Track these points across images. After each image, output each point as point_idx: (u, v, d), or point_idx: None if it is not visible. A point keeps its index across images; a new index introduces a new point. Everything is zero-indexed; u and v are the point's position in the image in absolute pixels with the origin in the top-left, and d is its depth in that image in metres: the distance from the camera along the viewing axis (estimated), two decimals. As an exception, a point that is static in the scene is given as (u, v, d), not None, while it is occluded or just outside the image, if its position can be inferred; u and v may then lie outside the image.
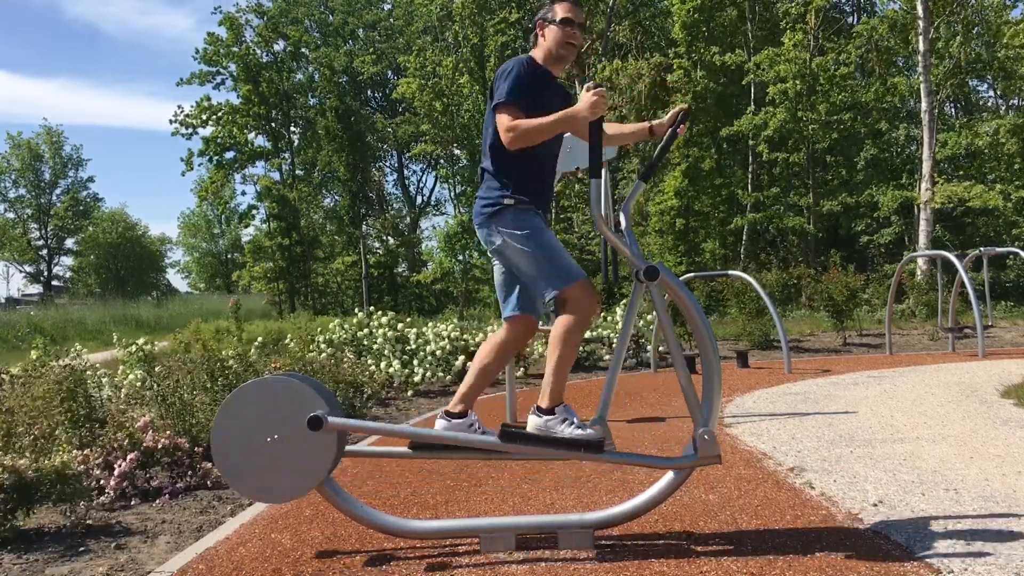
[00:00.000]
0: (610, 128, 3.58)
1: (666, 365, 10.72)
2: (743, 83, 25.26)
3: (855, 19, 29.33)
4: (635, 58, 23.78)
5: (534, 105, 3.17)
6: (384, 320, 9.81)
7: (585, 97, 3.06)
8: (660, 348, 10.76)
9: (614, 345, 10.97)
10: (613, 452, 3.17)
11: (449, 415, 3.28)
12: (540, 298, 3.22)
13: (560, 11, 3.30)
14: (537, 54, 3.36)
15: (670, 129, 3.43)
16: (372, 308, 10.57)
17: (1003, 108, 26.44)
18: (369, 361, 8.97)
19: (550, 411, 3.12)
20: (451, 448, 3.21)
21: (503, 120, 3.14)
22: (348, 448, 3.19)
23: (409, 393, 8.68)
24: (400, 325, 9.79)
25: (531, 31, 3.40)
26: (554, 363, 3.14)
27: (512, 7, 28.71)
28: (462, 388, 3.33)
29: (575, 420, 3.11)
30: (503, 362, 3.41)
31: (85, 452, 4.01)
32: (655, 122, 3.51)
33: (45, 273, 51.91)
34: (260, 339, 9.53)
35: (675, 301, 3.16)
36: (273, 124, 33.61)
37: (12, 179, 49.62)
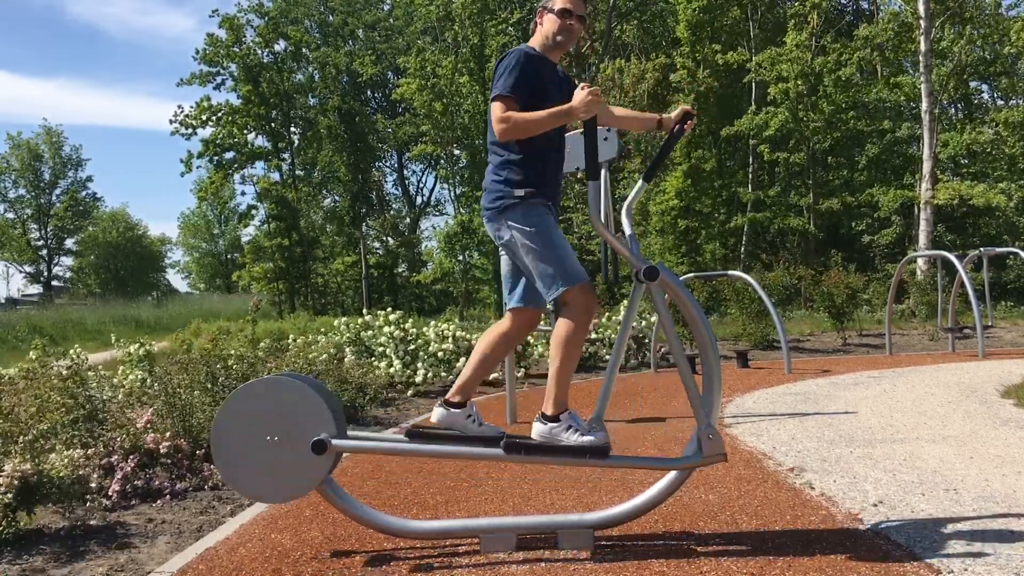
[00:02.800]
0: (619, 111, 3.60)
1: (668, 365, 10.72)
2: (744, 82, 25.26)
3: (856, 20, 29.31)
4: (637, 58, 23.78)
5: (532, 95, 3.17)
6: (392, 319, 9.81)
7: (580, 95, 3.06)
8: (661, 348, 10.76)
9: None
10: (618, 456, 3.18)
11: (448, 404, 3.28)
12: (575, 263, 3.21)
13: (560, 0, 3.30)
14: (535, 41, 3.37)
15: (676, 126, 3.43)
16: (373, 308, 10.59)
17: (1004, 108, 26.40)
18: (372, 361, 8.97)
19: (555, 418, 3.11)
20: (448, 440, 3.22)
21: (496, 111, 3.13)
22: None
23: (409, 393, 8.68)
24: (407, 324, 9.79)
25: (535, 16, 3.39)
26: (556, 369, 3.13)
27: (513, 7, 28.71)
28: (461, 378, 3.34)
29: (580, 426, 3.10)
30: (504, 353, 3.43)
31: (88, 453, 4.01)
32: (664, 116, 3.52)
33: (45, 273, 51.89)
34: (267, 340, 9.52)
35: (675, 301, 3.16)
36: (273, 124, 33.59)
37: (12, 179, 49.63)
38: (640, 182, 3.40)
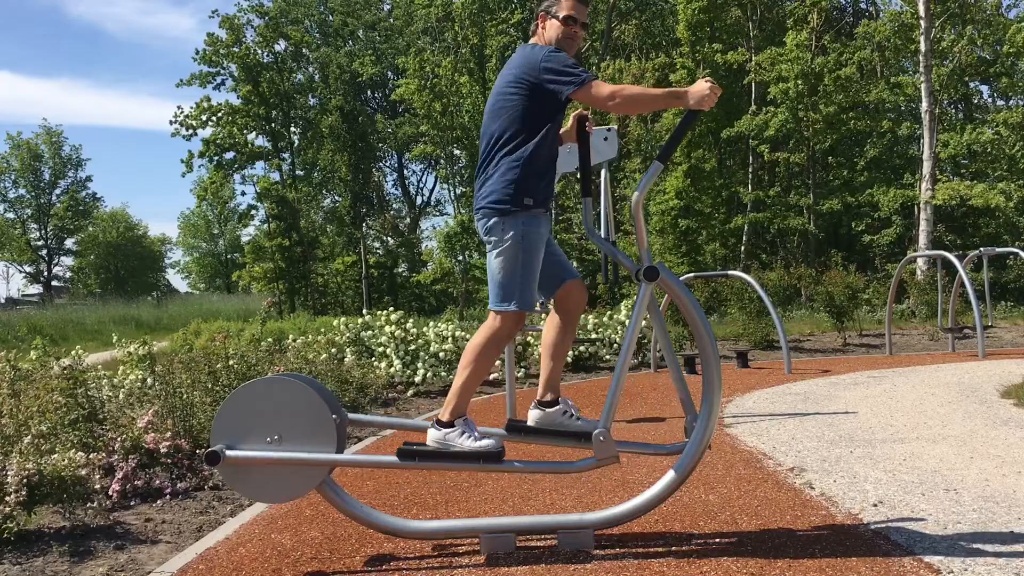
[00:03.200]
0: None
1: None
2: (744, 82, 25.25)
3: (855, 20, 29.31)
4: (638, 58, 23.79)
5: (548, 95, 3.14)
6: (393, 319, 9.81)
7: (701, 84, 2.97)
8: (661, 349, 10.77)
9: (616, 345, 10.97)
10: (514, 461, 3.21)
11: (541, 405, 3.28)
12: (534, 294, 3.22)
13: (565, 7, 3.26)
14: (536, 43, 3.33)
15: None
16: (373, 308, 10.59)
17: (1004, 109, 26.40)
18: (372, 361, 8.97)
19: (449, 424, 3.14)
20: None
21: (601, 88, 3.05)
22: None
23: (410, 393, 8.68)
24: (407, 325, 9.78)
25: (536, 18, 3.34)
26: (463, 380, 3.16)
27: (514, 7, 28.72)
28: (543, 375, 3.34)
29: (475, 432, 3.13)
30: (568, 335, 3.40)
31: (90, 456, 4.01)
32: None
33: (45, 273, 51.90)
34: (267, 340, 9.52)
35: (675, 301, 3.16)
36: (273, 124, 33.59)
37: (12, 179, 49.64)
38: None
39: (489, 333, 3.17)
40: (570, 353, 9.82)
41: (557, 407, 3.26)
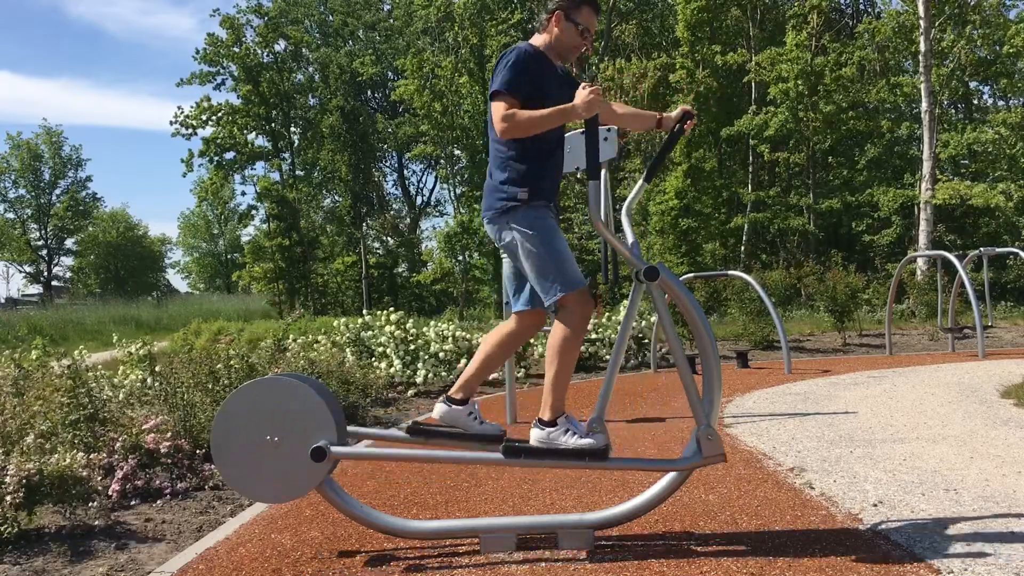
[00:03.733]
0: (620, 108, 3.57)
1: (668, 365, 10.72)
2: (744, 81, 25.25)
3: (855, 20, 29.30)
4: (638, 57, 23.78)
5: (532, 94, 3.14)
6: (393, 319, 9.81)
7: (581, 94, 3.02)
8: (661, 348, 10.76)
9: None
10: (617, 459, 3.18)
11: (450, 400, 3.29)
12: (575, 269, 3.21)
13: (584, 16, 3.26)
14: (540, 40, 3.31)
15: (676, 126, 3.43)
16: (374, 308, 10.59)
17: (1004, 108, 26.39)
18: (372, 361, 8.97)
19: (552, 423, 3.12)
20: (448, 436, 3.22)
21: (499, 109, 3.09)
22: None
23: (410, 393, 8.68)
24: (407, 325, 9.78)
25: (547, 13, 3.29)
26: (553, 375, 3.14)
27: (514, 7, 28.71)
28: (464, 376, 3.34)
29: (578, 429, 3.11)
30: (508, 353, 3.44)
31: (91, 457, 4.01)
32: (664, 114, 3.51)
33: (45, 273, 51.90)
34: (266, 340, 9.52)
35: (675, 301, 3.16)
36: (273, 124, 33.59)
37: (12, 179, 49.64)
38: (640, 182, 3.39)
39: (560, 325, 3.13)
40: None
41: (464, 407, 3.27)
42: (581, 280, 3.15)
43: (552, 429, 3.11)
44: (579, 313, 3.12)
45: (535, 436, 3.13)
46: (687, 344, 11.85)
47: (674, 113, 3.47)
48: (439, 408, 3.30)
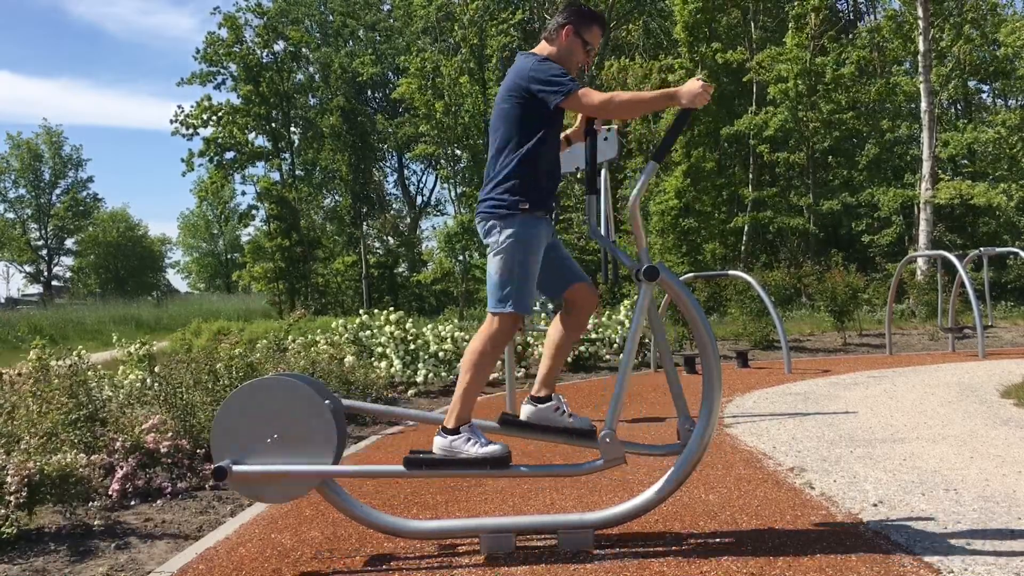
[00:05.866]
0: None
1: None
2: (744, 81, 25.25)
3: (854, 19, 29.30)
4: (642, 57, 23.79)
5: (539, 103, 3.16)
6: (392, 319, 9.80)
7: (693, 84, 3.04)
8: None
9: (616, 345, 10.96)
10: (521, 466, 3.22)
11: (535, 400, 3.29)
12: (531, 297, 3.24)
13: (592, 34, 3.33)
14: (546, 49, 3.34)
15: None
16: (373, 308, 10.59)
17: (1003, 109, 26.37)
18: (372, 361, 8.97)
19: (455, 431, 3.14)
20: (540, 430, 3.27)
21: (590, 96, 3.10)
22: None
23: (410, 393, 8.68)
24: (407, 325, 9.78)
25: (558, 25, 3.32)
26: (464, 386, 3.17)
27: (514, 7, 28.70)
28: (541, 371, 3.35)
29: (481, 438, 3.13)
30: (573, 337, 3.43)
31: (91, 457, 4.01)
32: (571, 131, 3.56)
33: (45, 273, 51.93)
34: (265, 340, 9.52)
35: (675, 301, 3.16)
36: (273, 124, 33.59)
37: (12, 179, 49.65)
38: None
39: (487, 335, 3.19)
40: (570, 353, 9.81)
41: (550, 403, 3.27)
42: (529, 308, 3.22)
43: (455, 437, 3.13)
44: (508, 332, 3.21)
45: (437, 444, 3.16)
46: (687, 344, 11.86)
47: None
48: (526, 409, 3.30)
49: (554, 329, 3.39)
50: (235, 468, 3.07)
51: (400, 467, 3.14)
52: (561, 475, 3.25)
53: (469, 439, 3.12)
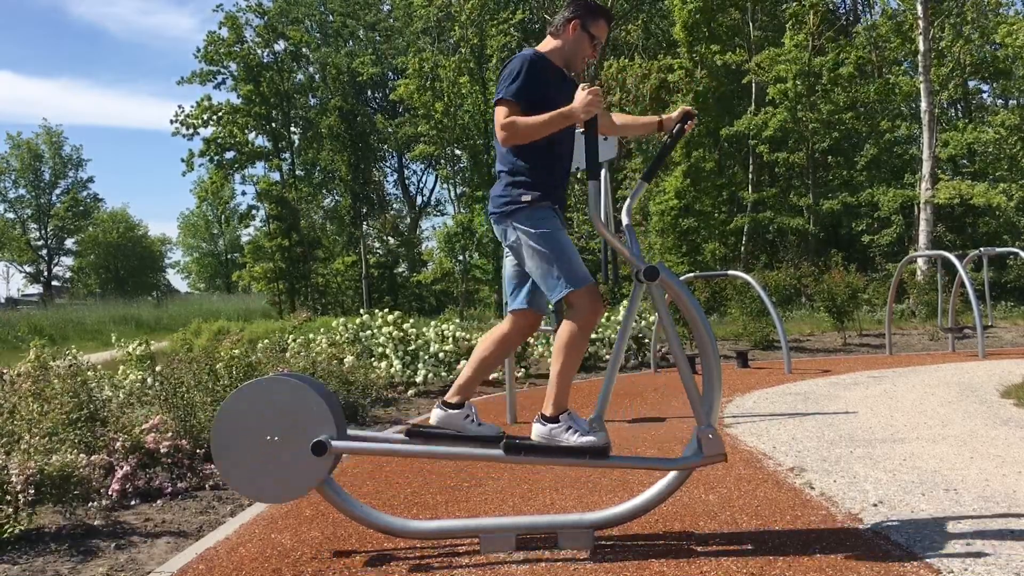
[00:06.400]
0: (620, 119, 3.60)
1: (668, 365, 10.72)
2: (744, 81, 25.25)
3: (852, 19, 29.28)
4: (641, 57, 23.78)
5: (538, 102, 3.16)
6: (390, 319, 9.80)
7: (580, 96, 3.06)
8: (661, 348, 10.76)
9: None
10: (618, 457, 3.18)
11: (446, 405, 3.28)
12: (580, 266, 3.22)
13: (599, 28, 3.32)
14: (551, 44, 3.34)
15: (677, 126, 3.44)
16: (372, 308, 10.59)
17: (1003, 109, 26.37)
18: (371, 361, 8.97)
19: (554, 419, 3.12)
20: (447, 438, 3.22)
21: (499, 116, 3.14)
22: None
23: (410, 393, 8.68)
24: (406, 325, 9.78)
25: (564, 19, 3.32)
26: (558, 370, 3.14)
27: (515, 7, 28.69)
28: (460, 379, 3.34)
29: (580, 427, 3.11)
30: (503, 355, 3.43)
31: (92, 457, 4.01)
32: (664, 116, 3.52)
33: (45, 273, 51.94)
34: (265, 340, 9.54)
35: (675, 301, 3.16)
36: (273, 124, 33.59)
37: (12, 179, 49.65)
38: (640, 182, 3.40)
39: (567, 321, 3.14)
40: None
41: (461, 410, 3.26)
42: (588, 277, 3.15)
43: (555, 425, 3.11)
44: (587, 309, 3.13)
45: (537, 431, 3.13)
46: (687, 344, 11.85)
47: (675, 114, 3.49)
48: (436, 413, 3.29)
49: (488, 338, 3.37)
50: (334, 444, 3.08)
51: (499, 451, 3.09)
52: (657, 468, 3.21)
53: (569, 427, 3.09)
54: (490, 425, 3.31)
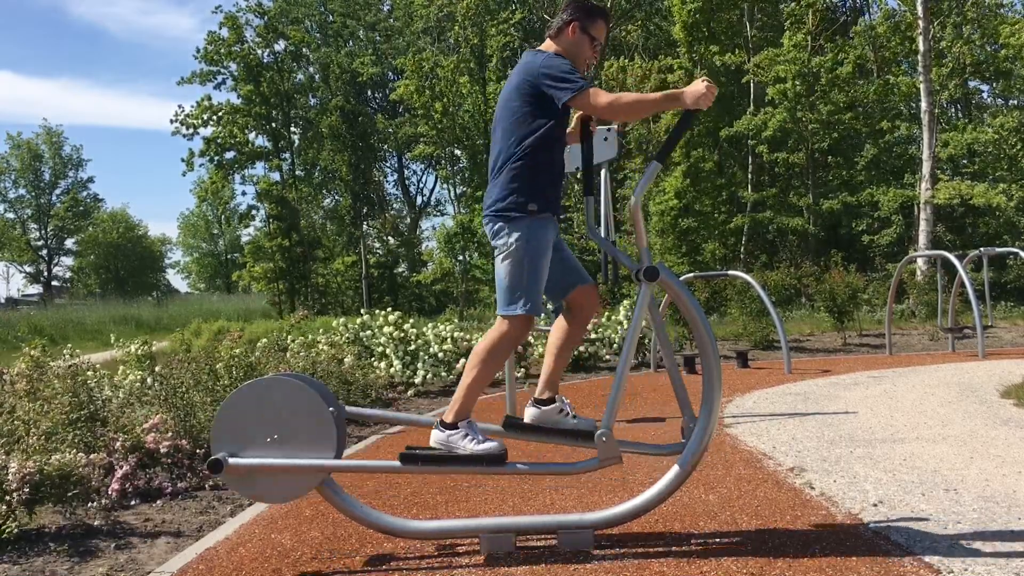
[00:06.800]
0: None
1: (666, 365, 10.71)
2: (743, 81, 25.25)
3: (852, 19, 29.28)
4: (641, 57, 23.79)
5: (548, 101, 3.13)
6: (391, 319, 9.80)
7: (698, 84, 3.01)
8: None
9: (616, 345, 10.96)
10: (517, 464, 3.21)
11: (539, 402, 3.27)
12: (541, 298, 3.23)
13: (598, 29, 3.32)
14: (552, 47, 3.32)
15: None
16: (373, 308, 10.60)
17: (1004, 109, 26.37)
18: (371, 361, 8.97)
19: (453, 425, 3.14)
20: (544, 432, 3.25)
21: (598, 97, 3.07)
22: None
23: (410, 393, 8.68)
24: (406, 325, 9.77)
25: (563, 22, 3.31)
26: (471, 380, 3.16)
27: (515, 7, 28.69)
28: (544, 373, 3.32)
29: (477, 435, 3.12)
30: (575, 338, 3.40)
31: (91, 457, 4.00)
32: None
33: (45, 273, 51.93)
34: (264, 340, 9.53)
35: (675, 301, 3.16)
36: (273, 124, 33.58)
37: (12, 179, 49.64)
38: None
39: (497, 337, 3.17)
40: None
41: (554, 405, 3.26)
42: (539, 310, 3.19)
43: (452, 432, 3.12)
44: (520, 336, 3.20)
45: (435, 437, 3.16)
46: (687, 344, 11.85)
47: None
48: (530, 412, 3.28)
49: (557, 331, 3.36)
50: (231, 461, 3.06)
51: (396, 462, 3.14)
52: (557, 473, 3.24)
53: (467, 435, 3.11)
54: (585, 419, 3.28)
